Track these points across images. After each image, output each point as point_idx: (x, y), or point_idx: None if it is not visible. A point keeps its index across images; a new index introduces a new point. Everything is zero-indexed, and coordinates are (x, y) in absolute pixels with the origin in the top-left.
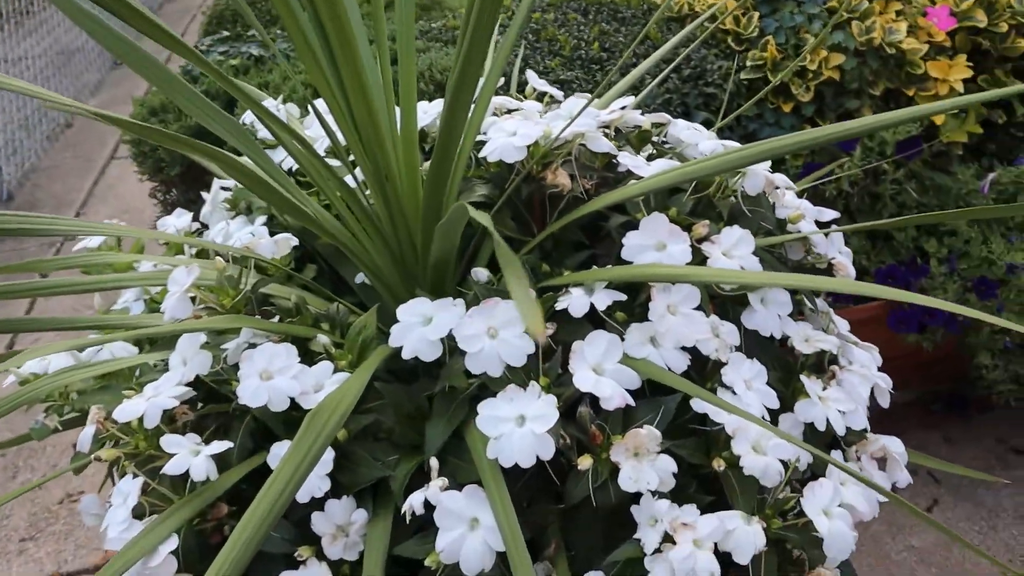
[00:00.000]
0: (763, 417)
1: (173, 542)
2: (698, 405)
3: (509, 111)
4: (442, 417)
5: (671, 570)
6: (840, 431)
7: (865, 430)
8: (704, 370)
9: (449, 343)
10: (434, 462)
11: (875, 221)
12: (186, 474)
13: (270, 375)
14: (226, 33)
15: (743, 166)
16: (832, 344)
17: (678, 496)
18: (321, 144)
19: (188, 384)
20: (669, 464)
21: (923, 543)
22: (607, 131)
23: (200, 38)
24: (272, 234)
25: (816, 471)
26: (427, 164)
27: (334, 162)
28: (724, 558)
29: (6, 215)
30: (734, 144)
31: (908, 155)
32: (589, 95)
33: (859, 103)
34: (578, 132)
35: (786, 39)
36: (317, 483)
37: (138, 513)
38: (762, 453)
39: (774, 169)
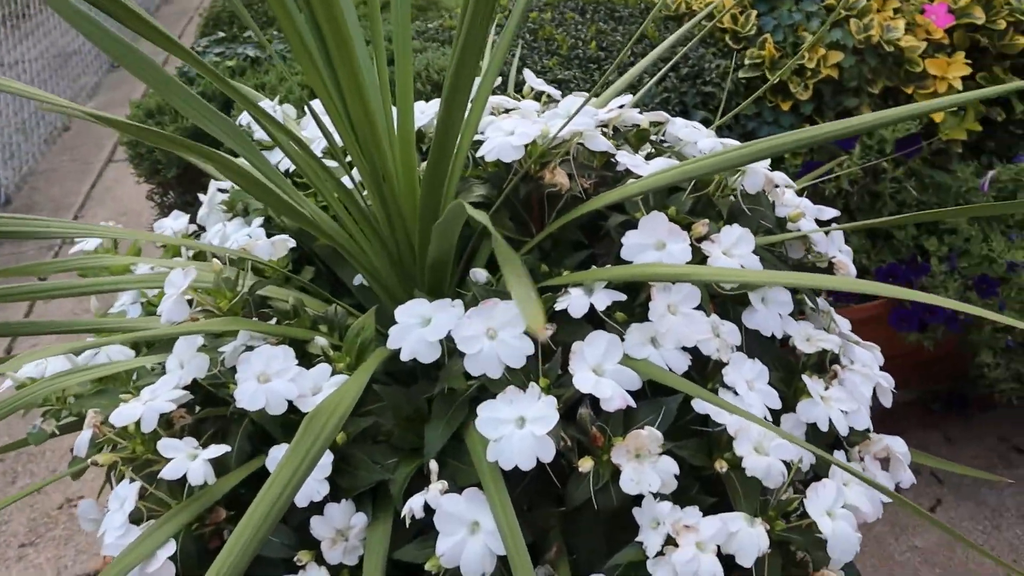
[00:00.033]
0: (765, 417)
1: (171, 547)
2: (699, 406)
3: (507, 110)
4: (441, 419)
5: (674, 573)
6: (843, 431)
7: (868, 430)
8: (705, 370)
9: (448, 344)
10: (434, 465)
11: (875, 219)
12: (183, 478)
13: (268, 378)
14: (222, 34)
15: (742, 164)
16: (834, 343)
17: (680, 498)
18: (318, 145)
19: (185, 387)
20: (671, 466)
21: (926, 543)
22: (605, 130)
23: (196, 40)
24: (269, 236)
25: (819, 472)
26: (424, 164)
27: (331, 163)
28: (727, 561)
29: (3, 218)
30: (733, 142)
31: (907, 153)
32: (587, 94)
33: (858, 101)
34: (576, 131)
35: (784, 37)
36: (316, 487)
37: (136, 518)
38: (764, 454)
39: (773, 167)
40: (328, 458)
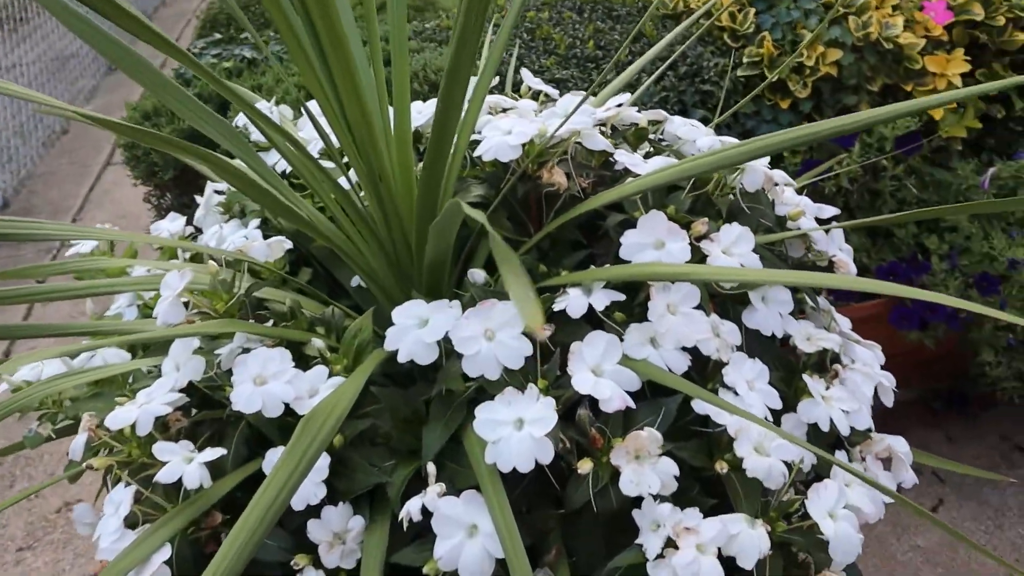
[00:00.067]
0: (765, 418)
1: (166, 552)
2: (699, 406)
3: (504, 110)
4: (439, 421)
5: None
6: (844, 431)
7: (869, 430)
8: (705, 370)
9: (446, 346)
10: (431, 467)
11: (875, 217)
12: (179, 482)
13: (264, 380)
14: (219, 36)
15: (741, 162)
16: (834, 342)
17: (680, 500)
18: (315, 146)
19: (181, 390)
20: (671, 467)
21: (928, 543)
22: (603, 129)
23: (193, 41)
24: (266, 237)
25: (820, 472)
26: (422, 164)
27: (328, 164)
28: (728, 563)
29: (1, 220)
30: (732, 140)
31: (907, 150)
32: (584, 93)
33: (857, 99)
34: (574, 130)
35: (783, 35)
36: (313, 490)
37: (131, 522)
38: (765, 454)
39: (773, 166)
40: (325, 461)
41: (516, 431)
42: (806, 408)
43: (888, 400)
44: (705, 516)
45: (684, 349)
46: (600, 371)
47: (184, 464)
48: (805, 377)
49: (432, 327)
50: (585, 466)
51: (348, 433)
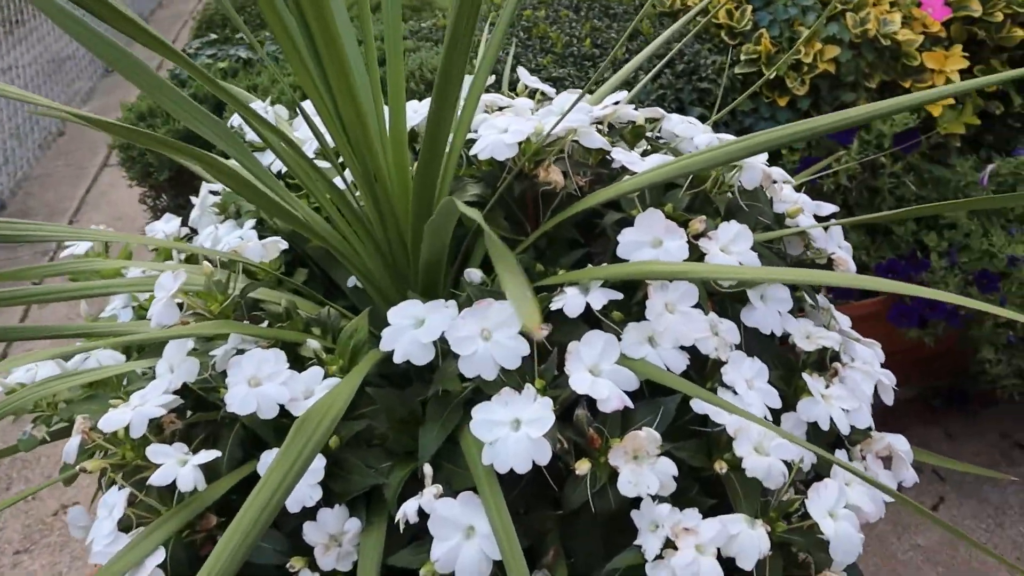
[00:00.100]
0: (765, 417)
1: (160, 555)
2: (698, 406)
3: (500, 108)
4: (436, 422)
5: None
6: (844, 430)
7: (869, 428)
8: (704, 369)
9: (442, 346)
10: (428, 469)
11: (874, 214)
12: (173, 485)
13: (259, 381)
14: (214, 36)
15: (739, 159)
16: (834, 340)
17: (679, 500)
18: (310, 146)
19: (176, 392)
20: (669, 467)
21: (929, 542)
22: (600, 127)
23: (188, 42)
24: (262, 238)
25: (820, 471)
26: (417, 164)
27: (323, 164)
28: (728, 563)
29: None
30: (730, 137)
31: (906, 148)
32: (581, 91)
33: (855, 96)
34: (571, 128)
35: (780, 32)
36: (308, 492)
37: (125, 526)
38: (765, 454)
39: (771, 163)
40: (320, 462)
41: (513, 432)
42: (806, 407)
43: (888, 398)
44: (704, 516)
45: (682, 348)
46: (598, 371)
47: (178, 466)
48: (805, 376)
49: (428, 327)
50: (583, 467)
51: (344, 434)
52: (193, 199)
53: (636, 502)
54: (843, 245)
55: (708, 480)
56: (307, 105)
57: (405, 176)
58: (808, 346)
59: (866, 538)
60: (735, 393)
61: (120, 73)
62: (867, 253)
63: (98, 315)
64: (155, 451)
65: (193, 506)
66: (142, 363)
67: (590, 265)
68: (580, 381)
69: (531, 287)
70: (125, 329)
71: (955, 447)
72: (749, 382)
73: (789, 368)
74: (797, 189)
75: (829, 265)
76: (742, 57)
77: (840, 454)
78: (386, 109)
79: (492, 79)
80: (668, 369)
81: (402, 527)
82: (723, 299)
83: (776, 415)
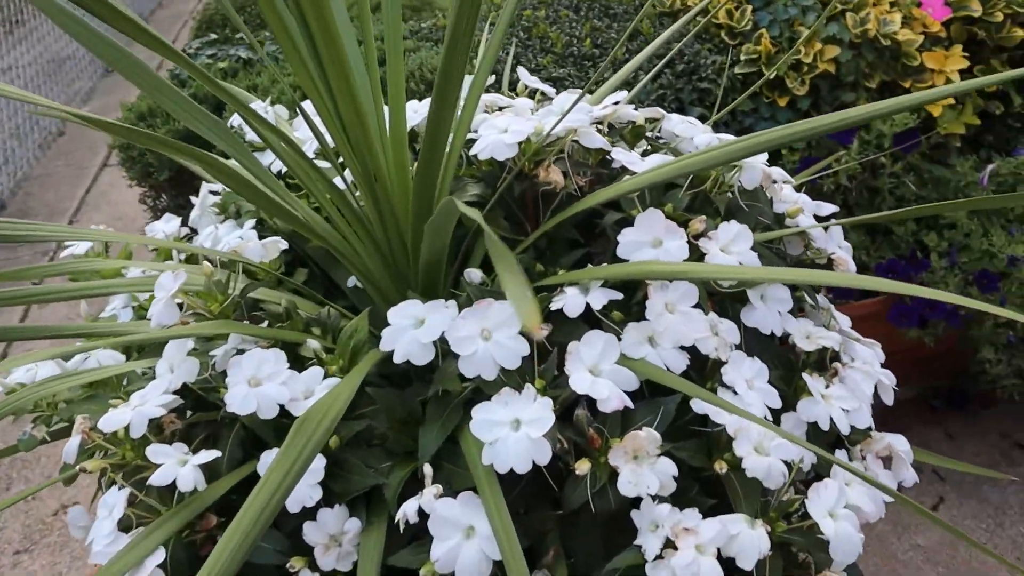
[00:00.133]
0: (765, 417)
1: (160, 555)
2: (698, 406)
3: (500, 108)
4: (436, 422)
5: None
6: (844, 430)
7: (869, 428)
8: (704, 370)
9: (442, 346)
10: (428, 469)
11: (874, 214)
12: (173, 485)
13: (259, 381)
14: (214, 36)
15: (739, 158)
16: (834, 340)
17: (679, 500)
18: (310, 146)
19: (176, 392)
20: (669, 467)
21: (929, 542)
22: (600, 127)
23: (189, 42)
24: (262, 238)
25: (820, 471)
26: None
27: (324, 164)
28: (728, 563)
29: None
30: (730, 137)
31: (906, 148)
32: (581, 91)
33: (855, 96)
34: (571, 128)
35: (780, 32)
36: (308, 492)
37: (125, 526)
38: (765, 454)
39: (771, 163)
40: (320, 462)
41: (513, 432)
42: (806, 407)
43: (888, 398)
44: (704, 516)
45: (682, 348)
46: (598, 371)
47: (178, 466)
48: (805, 376)
49: (428, 327)
50: (583, 467)
51: (344, 434)
52: (193, 199)
53: (636, 502)
54: (843, 245)
55: (708, 480)
56: (307, 105)
57: (405, 176)
58: (808, 346)
59: (866, 538)
60: (735, 393)
61: (120, 73)
62: (867, 253)
63: (98, 315)
64: (155, 451)
65: (193, 506)
66: (142, 363)
67: (590, 265)
68: (580, 381)
69: (531, 287)
70: (125, 329)
71: (956, 447)
72: (749, 382)
73: (789, 368)
74: (797, 189)
75: (829, 265)
76: (742, 57)
77: (840, 454)
78: (386, 109)
79: (492, 79)
80: (668, 369)
81: (402, 527)
82: (723, 299)
83: (776, 415)
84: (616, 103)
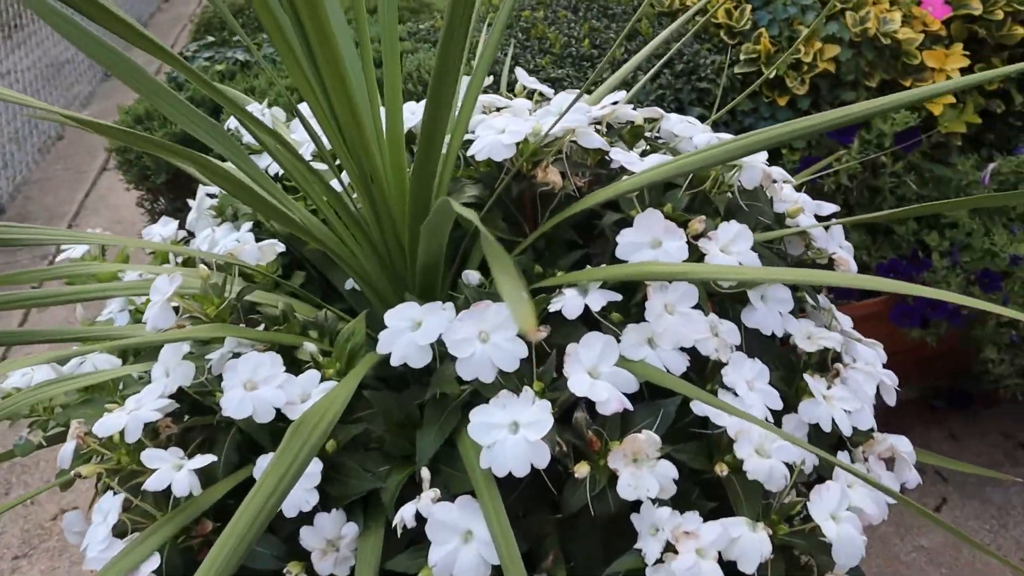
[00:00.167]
0: (766, 419)
1: (155, 561)
2: (698, 408)
3: (498, 109)
4: (433, 425)
5: None
6: (846, 431)
7: (872, 430)
8: (704, 371)
9: (440, 349)
10: (425, 473)
11: (875, 213)
12: (169, 490)
13: (254, 385)
14: (212, 39)
15: (738, 157)
16: (835, 341)
17: (680, 503)
18: (307, 149)
19: (171, 396)
20: (669, 470)
21: (932, 543)
22: (599, 127)
23: (186, 44)
24: (259, 240)
25: (822, 473)
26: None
27: (321, 166)
28: (729, 567)
29: None
30: (729, 137)
31: (906, 147)
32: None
33: (855, 95)
34: (569, 128)
35: (780, 32)
36: (305, 496)
37: (120, 531)
38: (766, 456)
39: (771, 163)
40: (317, 466)
41: (511, 435)
42: (807, 408)
43: (890, 399)
44: (705, 519)
45: (682, 349)
46: (597, 373)
47: (173, 471)
48: (806, 377)
49: (425, 330)
50: (582, 470)
51: (341, 438)
52: (190, 202)
53: (636, 505)
54: (844, 245)
55: (709, 483)
56: (304, 107)
57: (402, 177)
58: (809, 347)
59: (869, 540)
60: (736, 395)
61: (117, 77)
62: (868, 253)
63: (95, 319)
64: (150, 456)
65: (189, 511)
66: (138, 367)
67: (589, 266)
68: (579, 383)
69: (527, 289)
70: (121, 333)
71: (958, 448)
72: (750, 383)
73: (790, 369)
74: (797, 189)
75: (830, 265)
76: (741, 57)
77: (842, 456)
78: (382, 110)
79: (490, 80)
80: (668, 371)
81: (399, 531)
82: (723, 300)
83: (777, 417)
84: (614, 103)
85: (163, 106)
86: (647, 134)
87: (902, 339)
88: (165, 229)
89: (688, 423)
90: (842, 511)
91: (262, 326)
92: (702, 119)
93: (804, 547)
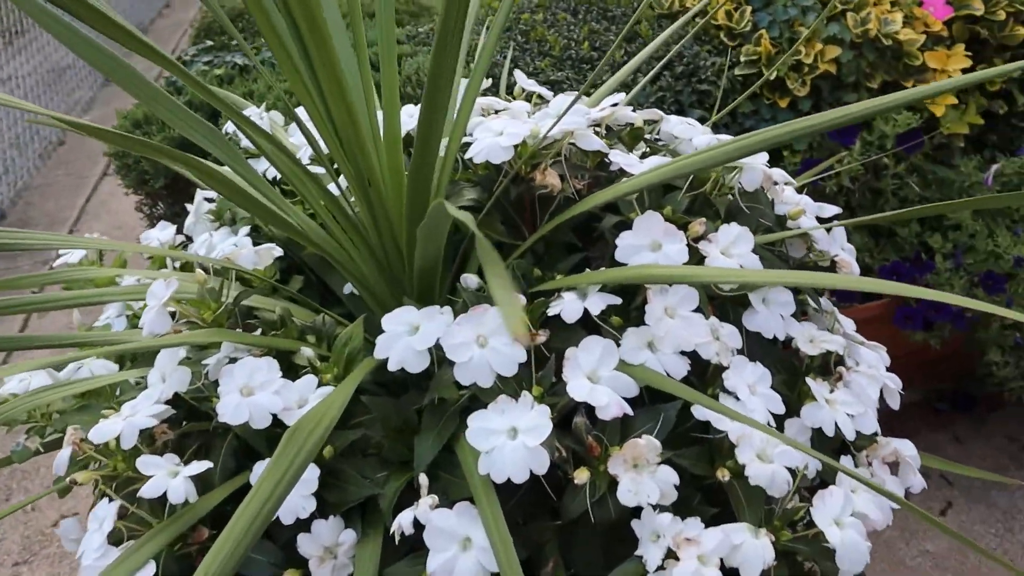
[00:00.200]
0: (768, 423)
1: (150, 569)
2: (699, 412)
3: (497, 112)
4: (432, 431)
5: None
6: (849, 435)
7: (875, 434)
8: (705, 375)
9: (438, 353)
10: (424, 479)
11: (877, 215)
12: (165, 497)
13: (251, 391)
14: (211, 43)
15: (738, 157)
16: (838, 344)
17: (681, 509)
18: (305, 152)
19: (168, 402)
20: (670, 475)
21: (938, 548)
22: (598, 129)
23: (185, 49)
24: (257, 244)
25: (826, 478)
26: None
27: (318, 170)
28: (731, 574)
29: None
30: (729, 138)
31: (908, 148)
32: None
33: (856, 97)
34: (567, 131)
35: (780, 33)
36: (302, 503)
37: (116, 539)
38: (768, 461)
39: (772, 165)
40: (314, 472)
41: (510, 440)
42: (810, 412)
43: (894, 403)
44: (707, 526)
45: (683, 353)
46: (596, 377)
47: (169, 478)
48: (808, 380)
49: (423, 334)
50: (582, 475)
51: (338, 444)
52: (189, 206)
53: (636, 511)
54: (846, 247)
55: (710, 488)
56: (301, 111)
57: (399, 180)
58: (812, 350)
59: (874, 544)
60: (737, 399)
61: (114, 82)
62: (871, 255)
63: (92, 324)
64: (145, 462)
65: (185, 518)
66: (134, 372)
67: (588, 269)
68: (578, 388)
69: (518, 292)
70: (118, 338)
71: (963, 451)
72: (751, 387)
73: (792, 373)
74: (799, 191)
75: (832, 268)
76: (742, 58)
77: (846, 460)
78: (380, 113)
79: (489, 83)
80: (668, 375)
81: (397, 538)
82: (724, 303)
83: (779, 421)
84: (614, 105)
85: (160, 111)
86: (647, 136)
87: (905, 342)
88: (163, 233)
89: (689, 428)
90: (846, 516)
91: (259, 331)
92: (703, 121)
93: (807, 553)
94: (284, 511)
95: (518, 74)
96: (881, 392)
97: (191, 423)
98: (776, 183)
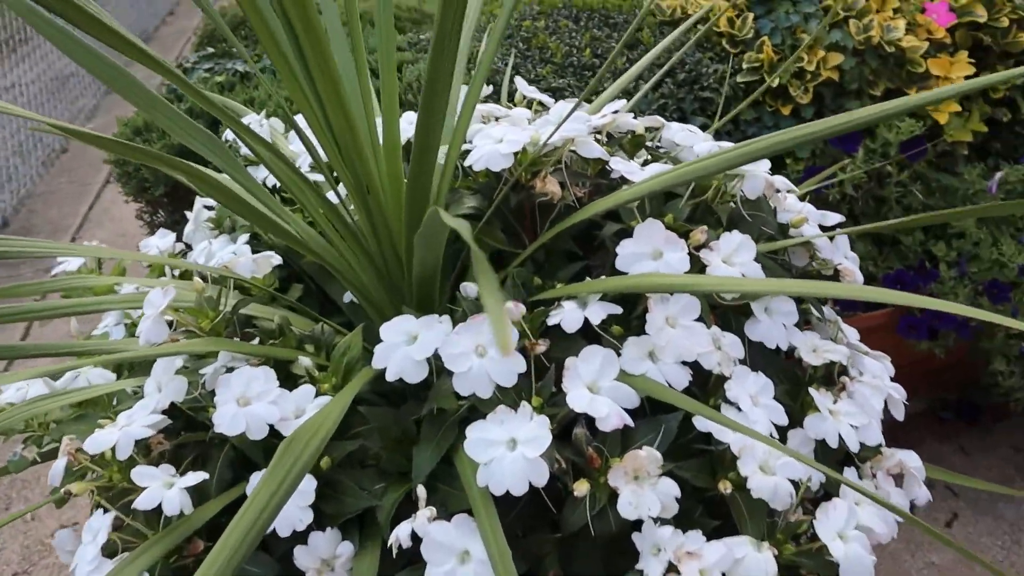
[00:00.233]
0: (771, 434)
1: None
2: (701, 423)
3: (497, 119)
4: (430, 442)
5: None
6: (853, 447)
7: (880, 445)
8: (707, 385)
9: (436, 363)
10: (422, 491)
11: (881, 222)
12: (160, 508)
13: (248, 401)
14: (212, 50)
15: (740, 164)
16: (842, 354)
17: (682, 521)
18: (305, 160)
19: (165, 412)
20: (671, 488)
21: (943, 560)
22: (599, 136)
23: (187, 56)
24: (257, 252)
25: (829, 491)
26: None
27: (318, 177)
28: None
29: None
30: (730, 145)
31: (912, 156)
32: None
33: (859, 104)
34: (568, 138)
35: (782, 40)
36: (298, 515)
37: (110, 551)
38: (771, 473)
39: (774, 172)
40: (311, 484)
41: (509, 452)
42: (813, 423)
43: (899, 413)
44: (708, 539)
45: (684, 363)
46: (597, 388)
47: (164, 489)
48: (811, 391)
49: (421, 343)
50: (582, 488)
51: (336, 455)
52: (189, 214)
53: (637, 524)
54: (850, 255)
55: (712, 501)
56: (300, 118)
57: (398, 187)
58: (815, 360)
59: (879, 556)
60: (739, 410)
61: (114, 90)
62: (874, 263)
63: (91, 333)
64: (140, 473)
65: (180, 530)
66: (132, 382)
67: (588, 278)
68: (578, 398)
69: (517, 302)
70: (115, 347)
71: (969, 462)
72: (754, 398)
73: (795, 383)
74: (801, 198)
75: (835, 276)
76: (744, 65)
77: (849, 472)
78: (379, 120)
79: (490, 90)
80: (670, 385)
81: (395, 551)
82: (726, 312)
83: (782, 432)
84: (615, 112)
85: (160, 119)
86: (648, 143)
87: (909, 351)
88: (162, 241)
89: (690, 439)
90: (850, 530)
91: (257, 340)
92: (705, 128)
93: (811, 567)
94: (280, 523)
95: (519, 81)
96: (885, 403)
97: (187, 433)
98: (779, 191)
